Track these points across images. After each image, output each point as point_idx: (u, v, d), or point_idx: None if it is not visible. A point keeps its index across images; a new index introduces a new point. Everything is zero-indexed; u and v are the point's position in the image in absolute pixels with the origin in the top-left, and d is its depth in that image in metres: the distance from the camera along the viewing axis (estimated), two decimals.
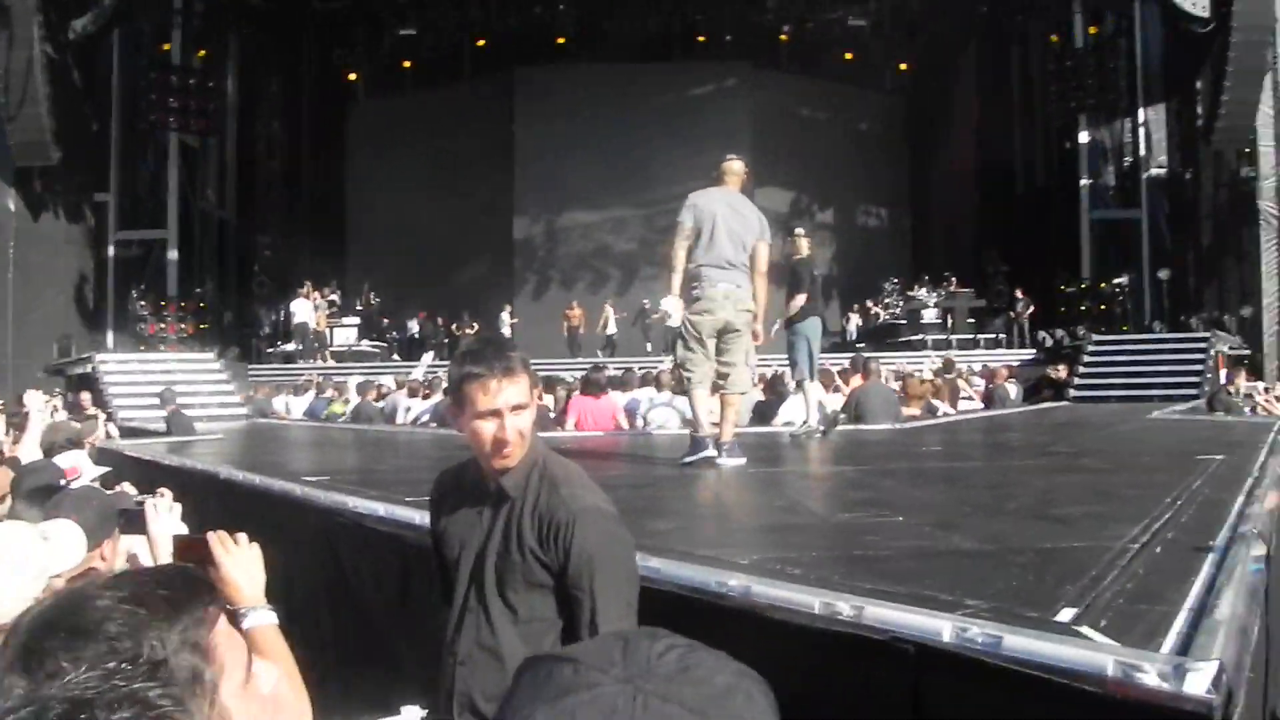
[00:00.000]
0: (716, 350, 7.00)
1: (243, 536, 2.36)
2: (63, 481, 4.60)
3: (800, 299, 9.76)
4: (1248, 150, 23.36)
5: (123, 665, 1.16)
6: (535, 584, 2.56)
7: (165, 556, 3.04)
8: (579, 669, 0.86)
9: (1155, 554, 3.22)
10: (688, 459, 6.89)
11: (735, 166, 7.36)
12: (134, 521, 3.19)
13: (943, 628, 2.18)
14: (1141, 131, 27.06)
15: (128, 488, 4.59)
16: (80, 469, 5.30)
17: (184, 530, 3.15)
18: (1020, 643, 2.06)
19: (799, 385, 9.98)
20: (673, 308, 7.41)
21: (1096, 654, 1.98)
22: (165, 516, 3.20)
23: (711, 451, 6.84)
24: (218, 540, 2.31)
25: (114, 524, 3.21)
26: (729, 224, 6.94)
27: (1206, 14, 21.67)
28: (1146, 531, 3.56)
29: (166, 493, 3.37)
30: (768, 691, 0.88)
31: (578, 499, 2.57)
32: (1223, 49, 20.81)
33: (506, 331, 27.52)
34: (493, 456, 2.63)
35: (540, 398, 12.73)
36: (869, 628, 2.31)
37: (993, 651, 2.07)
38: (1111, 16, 27.89)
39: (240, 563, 2.29)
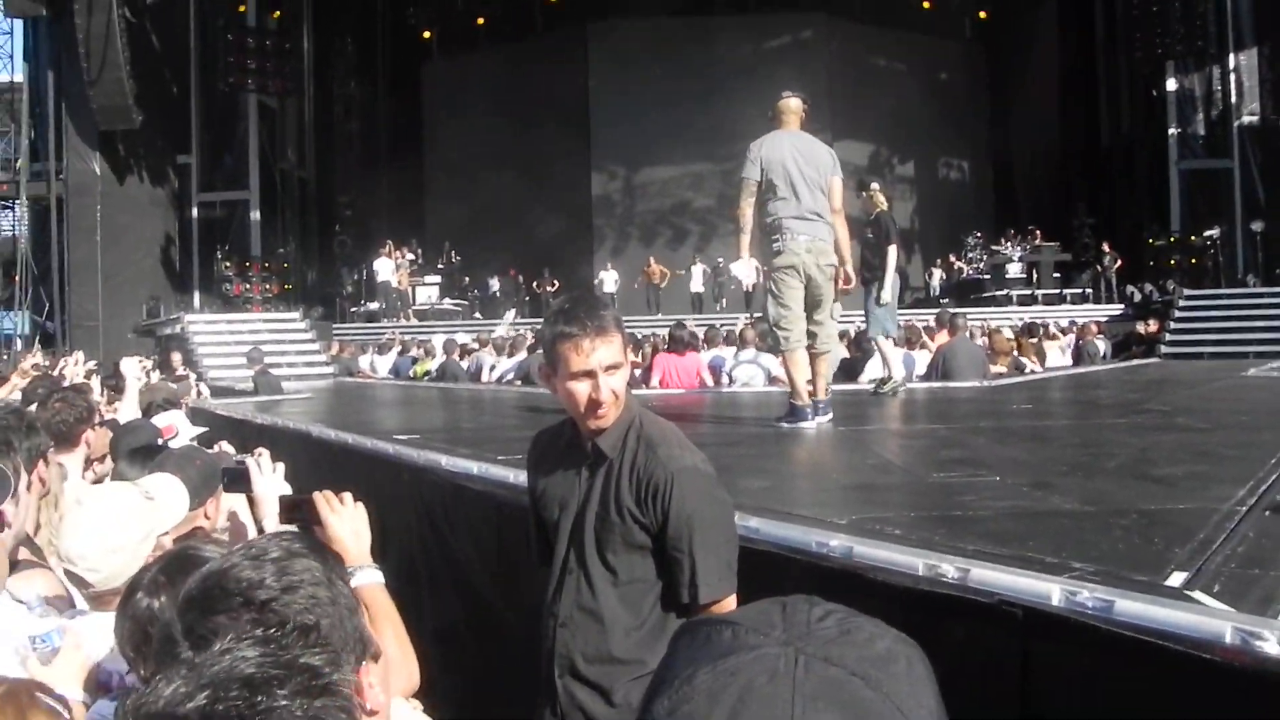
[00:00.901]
0: (805, 305, 6.69)
1: (348, 496, 2.38)
2: (160, 440, 4.69)
3: (892, 253, 9.17)
4: None
5: (274, 633, 1.18)
6: (635, 545, 2.54)
7: (269, 515, 3.08)
8: (738, 631, 0.86)
9: (1264, 517, 3.14)
10: (784, 423, 6.63)
11: (793, 104, 6.87)
12: (238, 480, 3.22)
13: (1051, 591, 2.15)
14: (1232, 78, 26.32)
15: (226, 447, 4.68)
16: (177, 428, 5.40)
17: (288, 490, 3.19)
18: (1133, 608, 2.02)
19: (874, 342, 9.61)
20: (743, 271, 6.95)
21: (1214, 620, 1.94)
22: (270, 475, 3.24)
23: (811, 423, 6.58)
24: (324, 500, 2.33)
25: (217, 482, 3.25)
26: (800, 169, 6.54)
27: None
28: (1253, 494, 3.48)
29: (265, 452, 3.41)
30: (925, 659, 0.87)
31: (675, 459, 2.53)
32: None
33: (610, 289, 27.51)
34: (587, 417, 2.60)
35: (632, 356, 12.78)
36: (975, 590, 2.28)
37: (1105, 616, 2.04)
38: None
39: (346, 522, 2.31)
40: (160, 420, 5.65)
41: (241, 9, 28.68)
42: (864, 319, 9.92)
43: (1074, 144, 32.40)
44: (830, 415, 6.70)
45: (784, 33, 32.98)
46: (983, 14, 35.26)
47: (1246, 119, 26.21)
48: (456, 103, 34.80)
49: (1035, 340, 15.41)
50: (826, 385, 6.88)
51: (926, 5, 34.31)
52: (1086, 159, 31.66)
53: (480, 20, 34.95)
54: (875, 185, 9.88)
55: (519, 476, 3.92)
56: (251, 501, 3.27)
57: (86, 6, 21.83)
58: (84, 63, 22.24)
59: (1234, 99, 26.37)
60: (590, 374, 2.55)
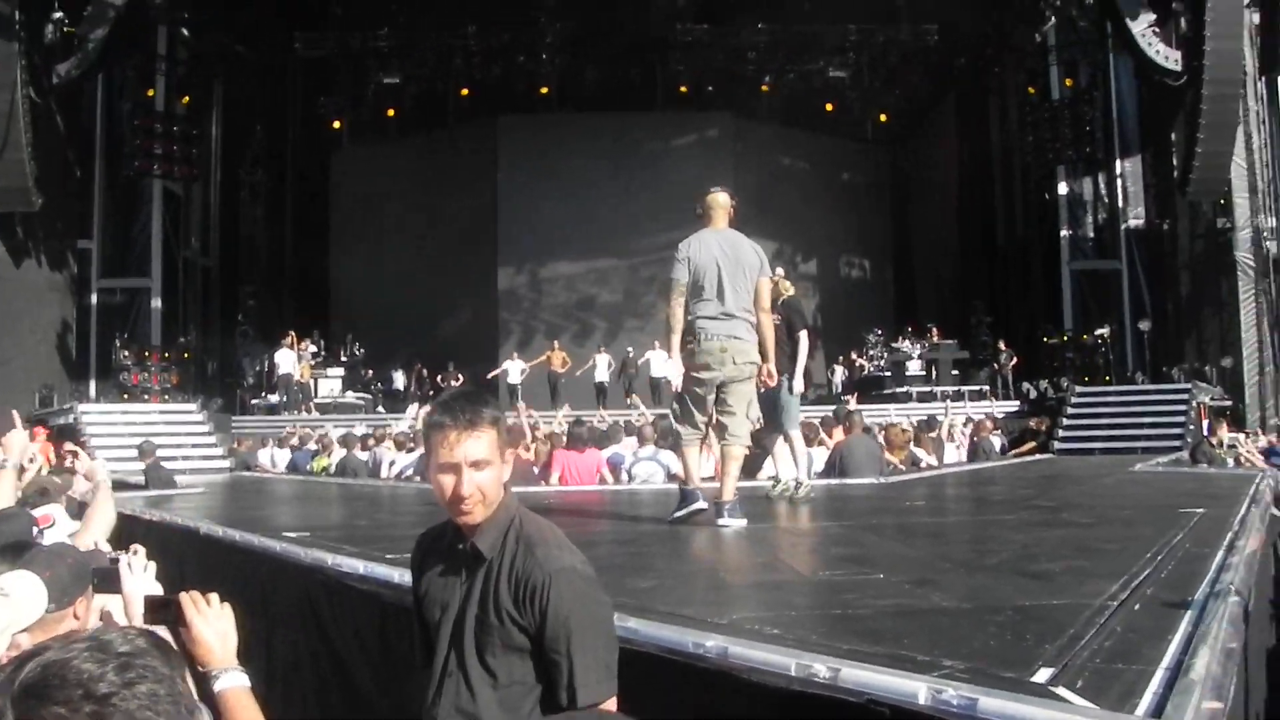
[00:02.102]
0: (716, 400, 6.73)
1: (214, 597, 2.35)
2: (35, 529, 4.56)
3: (803, 340, 8.91)
4: (1223, 202, 23.62)
5: None
6: (513, 647, 2.52)
7: (137, 615, 3.01)
8: None
9: (1134, 611, 3.23)
10: (677, 513, 6.61)
11: (721, 199, 6.92)
12: (108, 580, 3.14)
13: (918, 690, 2.18)
14: (1119, 183, 27.42)
15: (103, 543, 4.56)
16: (54, 518, 5.25)
17: (158, 589, 3.12)
18: (995, 705, 2.07)
19: (784, 438, 9.11)
20: (672, 372, 6.88)
21: (1071, 716, 1.99)
22: (140, 574, 3.17)
23: (703, 504, 6.55)
24: (190, 600, 2.30)
25: (88, 582, 3.18)
26: (727, 270, 6.60)
27: (1179, 67, 21.94)
28: (1126, 588, 3.58)
29: (140, 549, 3.34)
30: None
31: (553, 560, 2.52)
32: (1195, 102, 21.05)
33: (515, 380, 27.31)
34: (452, 511, 2.59)
35: (532, 450, 12.73)
36: (845, 690, 2.31)
37: (968, 714, 2.08)
38: (1087, 69, 28.26)
39: (212, 624, 2.29)
40: (39, 511, 5.48)
41: (150, 93, 28.33)
42: (768, 413, 9.10)
43: (971, 243, 33.30)
44: (741, 518, 6.49)
45: (691, 131, 33.64)
46: (883, 116, 36.30)
47: (1133, 223, 27.25)
48: (365, 193, 34.78)
49: (934, 434, 15.68)
50: (732, 485, 6.71)
51: (829, 108, 35.23)
52: (983, 258, 32.55)
53: (391, 111, 35.08)
54: (780, 271, 9.50)
55: (404, 576, 3.88)
56: (125, 601, 3.20)
57: None
58: None
59: (1120, 203, 27.39)
60: (455, 467, 2.54)
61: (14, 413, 6.00)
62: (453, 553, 2.70)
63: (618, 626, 2.73)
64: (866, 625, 3.13)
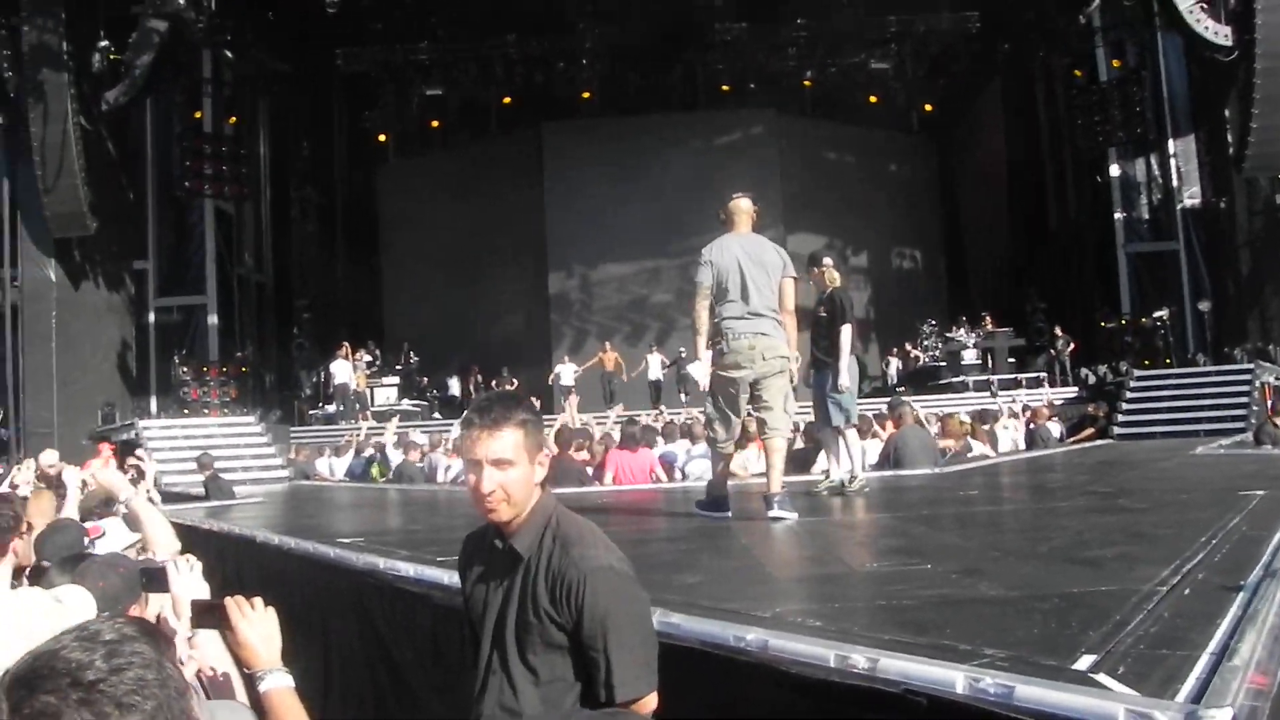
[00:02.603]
0: (751, 399, 6.77)
1: (258, 601, 2.41)
2: (87, 540, 4.68)
3: (846, 333, 8.53)
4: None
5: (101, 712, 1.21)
6: (553, 645, 2.56)
7: (185, 617, 3.10)
8: None
9: (1183, 596, 3.19)
10: (702, 511, 6.79)
11: (743, 205, 7.06)
12: (155, 579, 3.23)
13: (956, 679, 2.18)
14: (1173, 163, 26.99)
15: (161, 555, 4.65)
16: (104, 529, 5.37)
17: (205, 592, 3.20)
18: (1032, 693, 2.05)
19: (839, 431, 8.85)
20: (700, 373, 6.95)
21: (1107, 703, 1.97)
22: (186, 576, 3.25)
23: (728, 513, 6.71)
24: (234, 605, 2.36)
25: (139, 590, 3.26)
26: (749, 271, 6.70)
27: (1229, 42, 21.60)
28: (1177, 573, 3.53)
29: (192, 558, 3.43)
30: None
31: (588, 559, 2.55)
32: (1248, 76, 20.70)
33: (568, 382, 27.26)
34: (478, 508, 2.65)
35: (588, 450, 12.76)
36: (884, 680, 2.31)
37: (1004, 702, 2.07)
38: (1134, 49, 27.89)
39: (256, 627, 2.35)
40: (97, 523, 5.61)
41: (198, 115, 28.92)
42: (814, 406, 9.21)
43: (1023, 230, 32.97)
44: (791, 510, 6.50)
45: (734, 129, 33.52)
46: (928, 106, 36.02)
47: (1188, 202, 26.82)
48: (413, 204, 35.09)
49: (988, 427, 15.53)
50: (779, 477, 6.74)
51: (873, 100, 35.01)
52: (1036, 244, 32.20)
53: (435, 123, 35.38)
54: (828, 260, 9.10)
55: (454, 578, 3.92)
56: (173, 601, 3.28)
57: (42, 115, 21.94)
58: (39, 170, 22.29)
59: (1175, 183, 26.99)
60: (478, 465, 2.60)
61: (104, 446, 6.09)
62: (493, 553, 2.75)
63: (661, 623, 2.75)
64: (911, 616, 3.11)
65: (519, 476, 2.62)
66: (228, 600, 2.38)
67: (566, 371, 27.93)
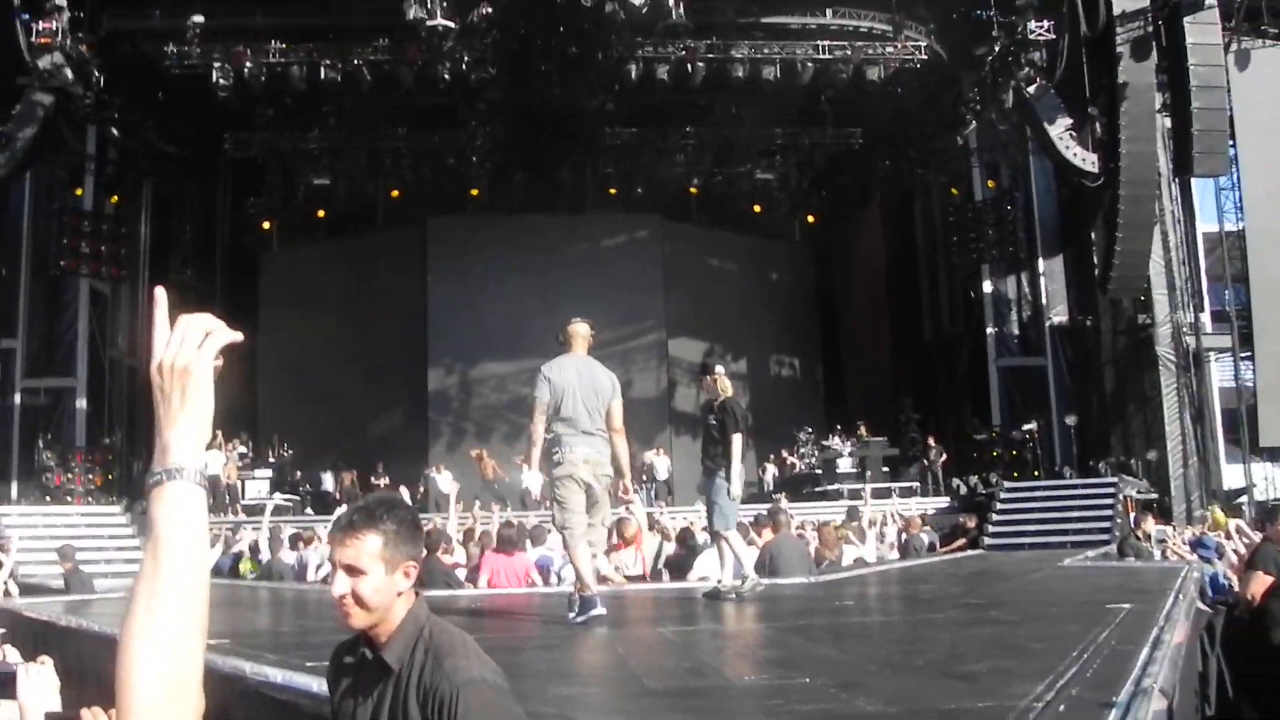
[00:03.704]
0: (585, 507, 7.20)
1: (115, 712, 2.26)
2: None
3: (737, 441, 8.76)
4: (1143, 298, 24.28)
5: None
6: None
7: None
8: None
9: (1059, 713, 3.18)
10: (578, 618, 6.81)
11: (581, 329, 7.68)
12: (3, 685, 3.03)
13: None
14: (1042, 281, 28.07)
15: (11, 651, 4.41)
16: None
17: (58, 703, 3.01)
18: None
19: (716, 537, 8.95)
20: (533, 482, 7.51)
21: None
22: (38, 685, 3.05)
23: (602, 610, 6.79)
24: (90, 716, 2.21)
25: None
26: (582, 394, 7.20)
27: (1096, 169, 22.63)
28: (1051, 689, 3.53)
29: (49, 660, 3.22)
30: None
31: (461, 671, 2.44)
32: (1113, 202, 21.69)
33: (444, 488, 26.50)
34: (338, 615, 2.58)
35: (466, 549, 12.56)
36: None
37: None
38: (1007, 171, 29.12)
39: None
40: None
41: (78, 192, 28.13)
42: (707, 512, 9.51)
43: (899, 341, 33.74)
44: (593, 611, 6.78)
45: (620, 232, 33.83)
46: (811, 217, 36.88)
47: (1056, 320, 27.84)
48: (294, 294, 34.47)
49: (855, 524, 15.75)
50: (585, 578, 7.06)
51: (758, 209, 35.73)
52: (911, 355, 32.98)
53: (321, 212, 34.97)
54: (720, 369, 9.71)
55: (323, 685, 3.77)
56: (20, 710, 3.07)
57: None
58: None
59: (1044, 301, 28.02)
60: (334, 570, 2.54)
61: None
62: (363, 664, 2.63)
63: None
64: None
65: (372, 585, 2.51)
66: (84, 712, 2.23)
67: (444, 480, 27.26)
